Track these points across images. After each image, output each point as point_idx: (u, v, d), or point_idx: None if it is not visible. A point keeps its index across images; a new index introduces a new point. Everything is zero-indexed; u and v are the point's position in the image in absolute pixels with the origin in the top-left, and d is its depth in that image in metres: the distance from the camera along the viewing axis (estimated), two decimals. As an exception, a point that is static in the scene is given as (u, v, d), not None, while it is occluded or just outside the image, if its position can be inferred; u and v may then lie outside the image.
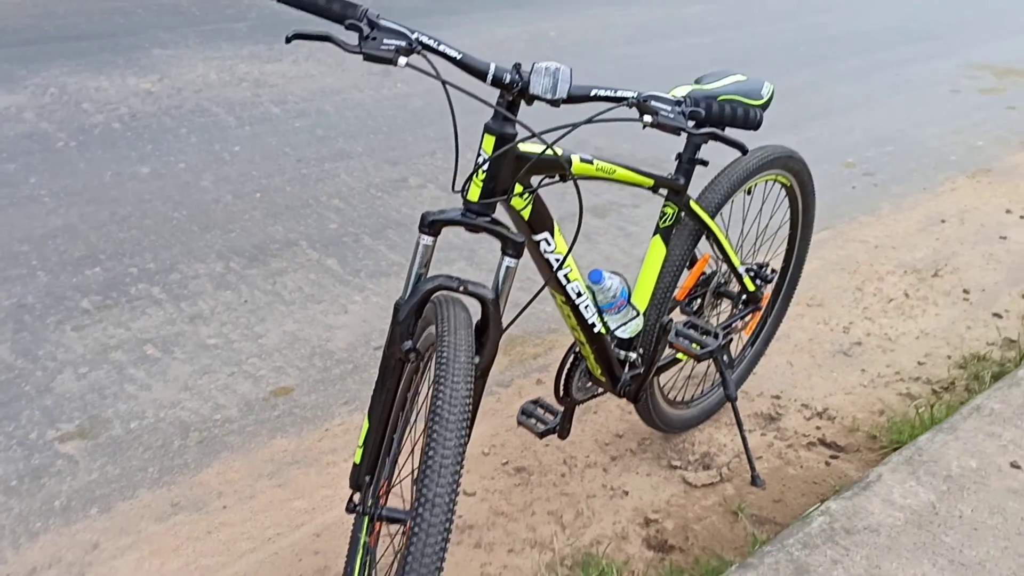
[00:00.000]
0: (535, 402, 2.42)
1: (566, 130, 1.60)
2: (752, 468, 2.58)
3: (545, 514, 2.43)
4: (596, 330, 2.11)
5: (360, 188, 4.22)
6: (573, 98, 1.64)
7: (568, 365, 2.27)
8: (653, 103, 1.59)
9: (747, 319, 2.66)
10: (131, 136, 4.57)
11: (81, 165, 4.22)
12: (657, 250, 2.26)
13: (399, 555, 1.72)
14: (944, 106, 6.12)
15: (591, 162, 1.92)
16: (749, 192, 2.52)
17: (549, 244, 1.89)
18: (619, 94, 1.64)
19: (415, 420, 1.84)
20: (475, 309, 1.70)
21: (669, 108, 1.59)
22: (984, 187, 4.82)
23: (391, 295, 3.37)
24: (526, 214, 1.81)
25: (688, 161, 2.21)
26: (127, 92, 5.13)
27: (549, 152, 1.77)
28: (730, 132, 1.73)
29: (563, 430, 2.37)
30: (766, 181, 2.57)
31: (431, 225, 1.70)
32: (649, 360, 2.27)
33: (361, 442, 1.82)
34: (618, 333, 2.23)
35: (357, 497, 1.84)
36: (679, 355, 2.54)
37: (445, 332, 1.59)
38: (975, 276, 3.85)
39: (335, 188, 4.18)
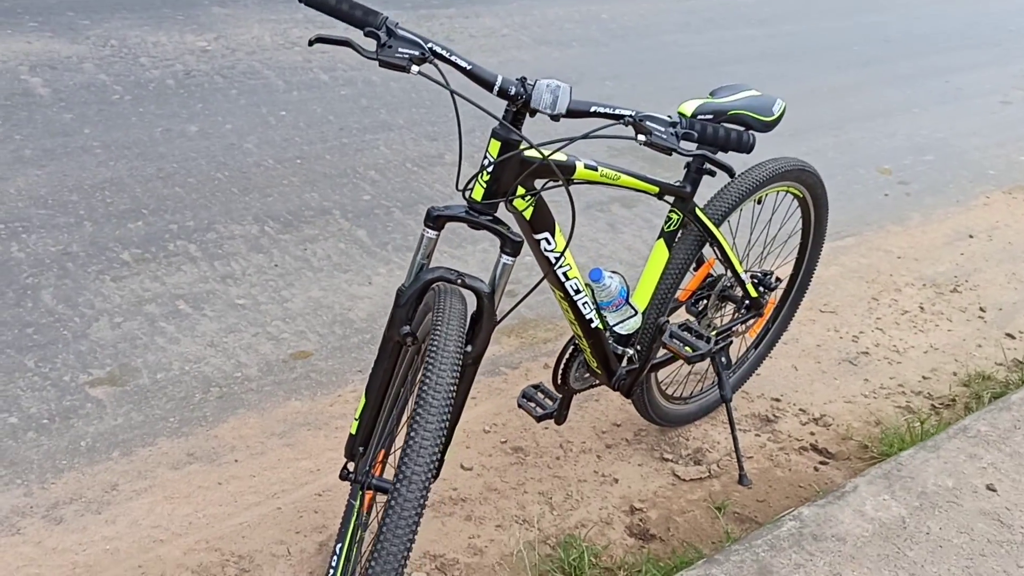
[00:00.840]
0: (536, 387, 2.54)
1: (562, 144, 1.71)
2: (740, 467, 2.67)
3: (536, 494, 2.55)
4: (593, 325, 2.22)
5: (397, 161, 4.34)
6: (573, 113, 1.74)
7: (567, 356, 2.38)
8: (648, 123, 1.69)
9: (749, 324, 2.74)
10: (183, 94, 4.72)
11: (133, 119, 4.39)
12: (660, 253, 2.36)
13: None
14: (991, 117, 6.07)
15: (595, 168, 2.02)
16: (759, 202, 2.59)
17: (550, 243, 2.00)
18: (617, 112, 1.73)
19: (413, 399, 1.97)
20: (474, 301, 1.82)
21: (663, 129, 1.68)
22: (1019, 204, 4.81)
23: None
24: (528, 214, 1.92)
25: (695, 171, 2.29)
26: (183, 49, 5.29)
27: (555, 158, 1.87)
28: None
29: (560, 416, 2.49)
30: (777, 192, 2.64)
31: (435, 220, 1.82)
32: (644, 357, 2.38)
33: (357, 415, 1.96)
34: (616, 329, 2.33)
35: (351, 466, 1.98)
36: (677, 354, 2.63)
37: (439, 322, 1.71)
38: (994, 294, 3.87)
39: (372, 159, 4.31)
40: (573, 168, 1.96)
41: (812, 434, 2.92)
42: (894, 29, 7.98)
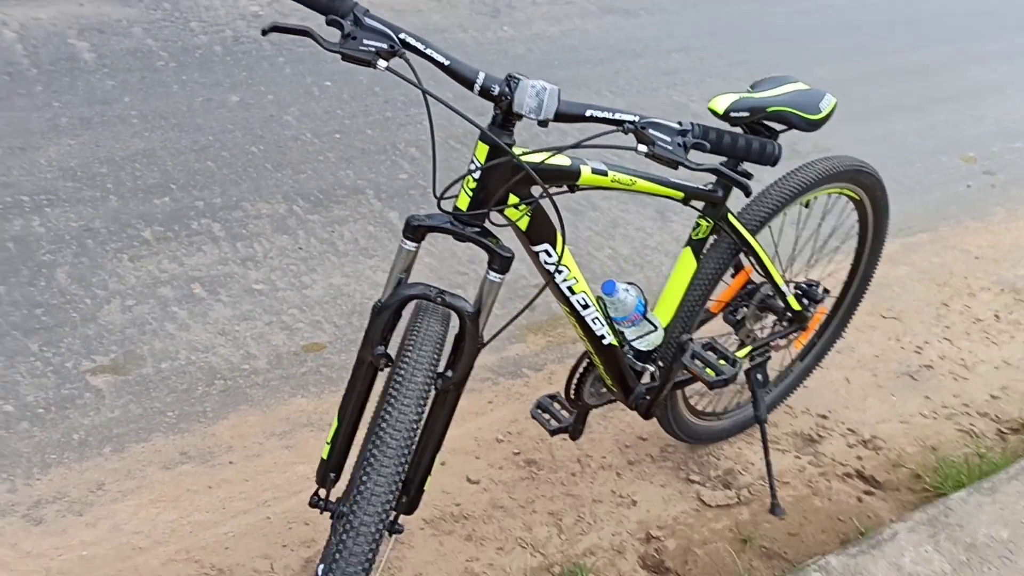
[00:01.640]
0: (553, 397, 2.35)
1: (551, 152, 1.50)
2: (773, 495, 2.45)
3: (545, 514, 2.37)
4: (606, 342, 2.01)
5: (440, 138, 4.13)
6: (564, 117, 1.53)
7: (580, 369, 2.18)
8: (651, 131, 1.46)
9: (791, 338, 2.50)
10: (229, 61, 4.60)
11: (175, 87, 4.28)
12: (686, 263, 2.13)
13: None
14: (1096, 102, 5.57)
15: (605, 173, 1.79)
16: (807, 205, 2.33)
17: (550, 255, 1.79)
18: (617, 117, 1.51)
19: None
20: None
21: (669, 139, 1.46)
22: (1118, 201, 4.39)
23: (444, 258, 3.33)
24: (523, 224, 1.72)
25: (727, 176, 2.04)
26: (235, 14, 5.16)
27: (556, 162, 1.66)
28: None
29: (575, 431, 2.30)
30: (829, 194, 2.37)
31: (414, 231, 1.63)
32: (664, 377, 2.16)
33: (329, 439, 1.79)
34: (635, 345, 2.12)
35: (323, 492, 1.82)
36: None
37: (409, 347, 1.54)
38: (1081, 304, 3.52)
39: (414, 135, 4.13)
40: (577, 173, 1.74)
41: (859, 458, 2.66)
42: (996, 1, 7.42)
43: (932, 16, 6.79)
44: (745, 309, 2.43)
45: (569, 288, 1.87)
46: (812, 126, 1.99)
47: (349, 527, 1.38)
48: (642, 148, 1.47)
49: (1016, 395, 2.99)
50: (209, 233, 3.29)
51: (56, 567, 2.07)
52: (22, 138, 3.65)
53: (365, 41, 1.48)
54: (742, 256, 2.25)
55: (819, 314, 2.61)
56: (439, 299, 1.62)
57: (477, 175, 1.60)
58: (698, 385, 2.51)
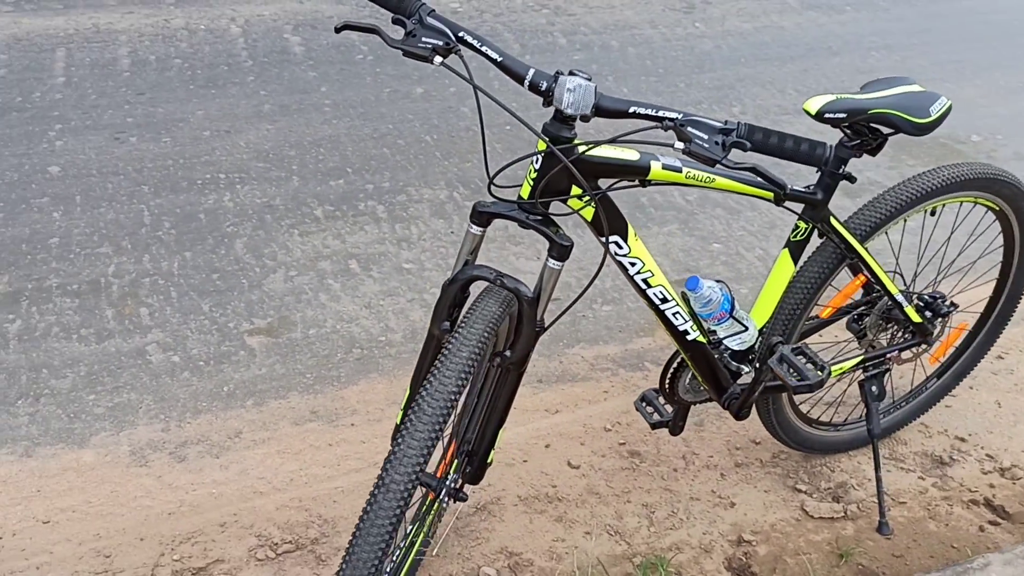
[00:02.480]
0: (659, 391, 2.38)
1: (589, 146, 1.55)
2: (881, 513, 2.36)
3: (639, 505, 2.41)
4: (690, 337, 2.03)
5: (608, 131, 4.19)
6: (607, 112, 1.58)
7: (675, 364, 2.20)
8: (690, 129, 1.48)
9: (917, 352, 2.39)
10: (421, 55, 4.86)
11: (368, 79, 4.60)
12: (784, 266, 2.10)
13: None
14: None
15: (679, 169, 1.81)
16: (932, 213, 2.23)
17: (621, 247, 1.84)
18: (660, 114, 1.54)
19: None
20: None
21: (707, 137, 1.47)
22: None
23: (588, 249, 3.40)
24: (587, 215, 1.78)
25: (830, 175, 2.00)
26: (438, 8, 5.43)
27: (625, 157, 1.71)
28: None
29: (675, 427, 2.32)
30: (960, 203, 2.25)
31: (479, 216, 1.73)
32: (755, 378, 2.14)
33: (403, 406, 1.93)
34: (728, 343, 2.11)
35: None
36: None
37: (461, 326, 1.64)
38: None
39: (582, 129, 4.20)
40: (646, 168, 1.77)
41: (991, 486, 2.50)
42: None
43: None
44: (867, 318, 2.35)
45: (644, 281, 1.91)
46: (920, 130, 1.90)
47: (380, 483, 1.51)
48: (679, 145, 1.50)
49: None
50: (373, 214, 3.53)
51: (189, 500, 2.34)
52: (229, 122, 4.06)
53: (424, 39, 1.59)
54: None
55: (958, 330, 2.48)
56: (498, 281, 1.71)
57: (538, 165, 1.67)
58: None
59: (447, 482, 1.88)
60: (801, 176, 2.21)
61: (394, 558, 1.88)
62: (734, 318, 2.04)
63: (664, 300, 1.95)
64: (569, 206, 1.76)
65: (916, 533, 2.35)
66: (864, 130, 1.94)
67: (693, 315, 2.03)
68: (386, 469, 1.51)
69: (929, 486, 2.50)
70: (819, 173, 2.02)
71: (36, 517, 2.25)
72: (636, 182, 1.77)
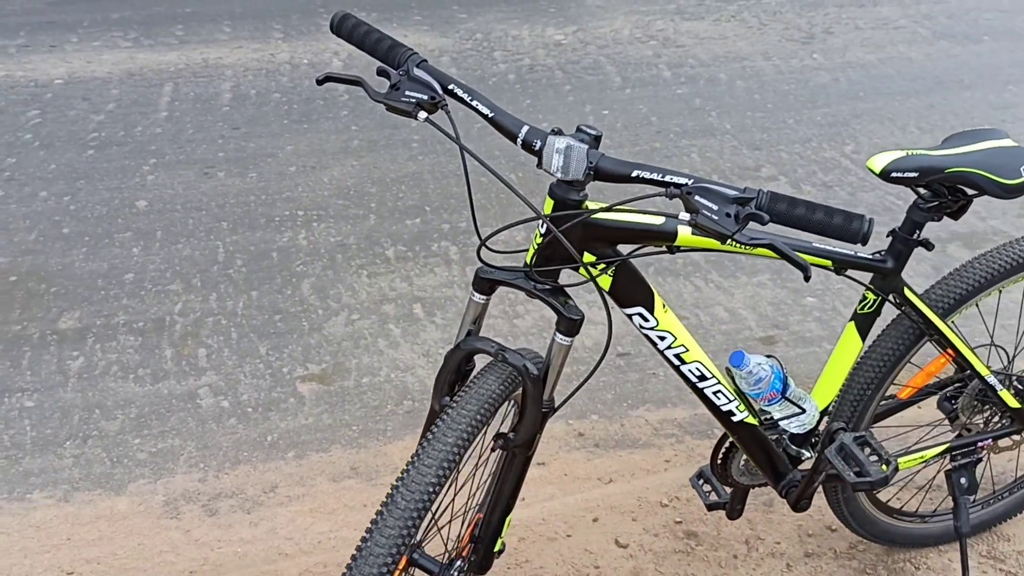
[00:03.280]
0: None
1: (580, 216, 1.37)
2: (968, 624, 2.04)
3: (690, 594, 2.18)
4: (736, 419, 1.80)
5: (703, 172, 3.97)
6: (608, 176, 1.39)
7: (726, 445, 1.98)
8: (698, 198, 1.28)
9: (1016, 439, 2.08)
10: (518, 89, 4.77)
11: (460, 114, 4.50)
12: (850, 341, 1.85)
13: None
14: None
15: (711, 234, 1.60)
16: (1033, 286, 1.93)
17: (646, 320, 1.64)
18: (666, 179, 1.34)
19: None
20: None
21: (717, 208, 1.27)
22: None
23: (669, 299, 3.19)
24: (605, 284, 1.59)
25: (902, 241, 1.74)
26: (538, 43, 5.34)
27: (647, 221, 1.52)
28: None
29: (732, 510, 2.10)
30: (1069, 273, 1.94)
31: (481, 283, 1.58)
32: (813, 467, 1.89)
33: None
34: (783, 426, 1.88)
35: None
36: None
37: (453, 404, 1.49)
38: None
39: (675, 167, 3.98)
40: (673, 234, 1.57)
41: (1109, 599, 2.15)
42: None
43: None
44: (960, 398, 2.06)
45: (678, 357, 1.70)
46: (1008, 192, 1.64)
47: (355, 557, 1.37)
48: (684, 216, 1.30)
49: None
50: (445, 255, 3.42)
51: (213, 558, 2.26)
52: (316, 158, 4.05)
53: (407, 92, 1.45)
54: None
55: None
56: (500, 356, 1.55)
57: (543, 229, 1.51)
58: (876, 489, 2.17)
59: (452, 570, 1.72)
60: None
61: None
62: (787, 399, 1.81)
63: (703, 378, 1.73)
64: (581, 274, 1.58)
65: (1011, 651, 2.04)
66: (943, 191, 1.68)
67: (741, 394, 1.80)
68: (349, 569, 1.37)
69: (1032, 596, 2.17)
70: (890, 239, 1.77)
71: (62, 567, 2.22)
72: (663, 248, 1.58)
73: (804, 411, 1.84)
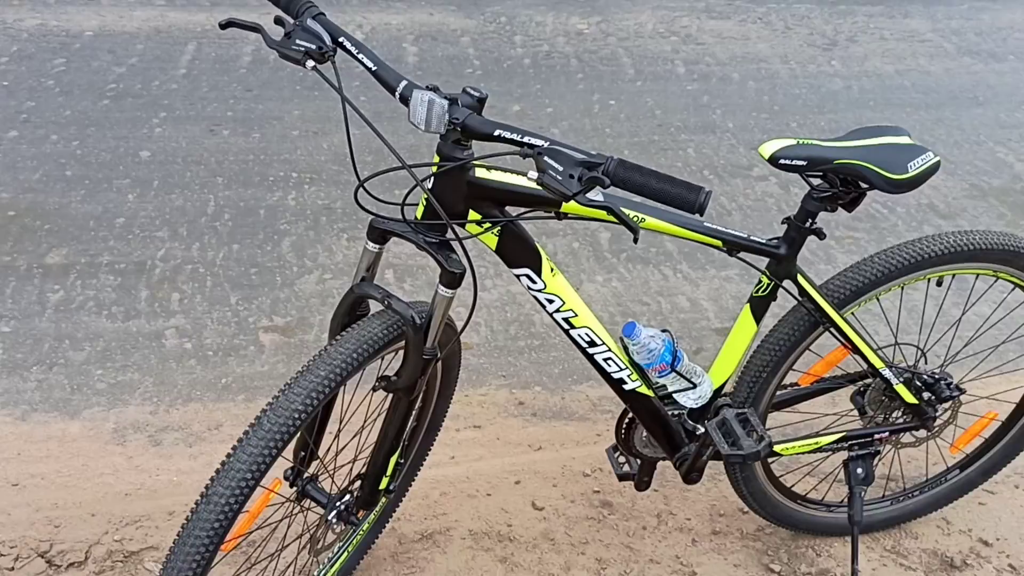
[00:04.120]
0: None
1: (433, 169, 1.47)
2: (854, 610, 2.10)
3: (593, 559, 2.26)
4: (628, 387, 1.87)
5: (696, 167, 4.03)
6: (473, 133, 1.47)
7: (628, 417, 2.05)
8: (547, 159, 1.36)
9: (917, 436, 2.13)
10: (531, 74, 4.84)
11: (482, 91, 4.59)
12: (745, 322, 1.91)
13: None
14: None
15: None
16: (939, 284, 1.97)
17: (534, 282, 1.72)
18: (524, 140, 1.42)
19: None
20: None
21: (562, 168, 1.34)
22: None
23: (635, 285, 3.25)
24: (491, 244, 1.68)
25: (796, 229, 1.80)
26: (560, 31, 5.40)
27: (529, 185, 1.60)
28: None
29: (640, 482, 2.17)
30: (977, 275, 1.98)
31: (374, 232, 1.67)
32: (701, 440, 1.95)
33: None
34: (678, 399, 1.95)
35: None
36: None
37: (332, 344, 1.59)
38: None
39: (669, 161, 4.05)
40: (558, 200, 1.65)
41: (1002, 602, 2.18)
42: None
43: None
44: (867, 392, 2.11)
45: (566, 321, 1.78)
46: (894, 187, 1.69)
47: (204, 494, 1.47)
48: (532, 175, 1.38)
49: None
50: (425, 226, 3.51)
51: (149, 484, 2.39)
52: (320, 124, 4.17)
53: (298, 41, 1.55)
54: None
55: (985, 419, 2.19)
56: (385, 302, 1.64)
57: (430, 184, 1.59)
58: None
59: (340, 503, 1.82)
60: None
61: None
62: (677, 372, 1.88)
63: (592, 344, 1.81)
64: (468, 232, 1.67)
65: (892, 641, 2.09)
66: (835, 181, 1.74)
67: (635, 365, 1.88)
68: (212, 480, 1.47)
69: (928, 590, 2.21)
70: (785, 224, 1.83)
71: (8, 479, 2.36)
72: (552, 214, 1.66)
73: (695, 386, 1.91)
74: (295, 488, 1.84)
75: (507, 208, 1.66)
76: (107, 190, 3.55)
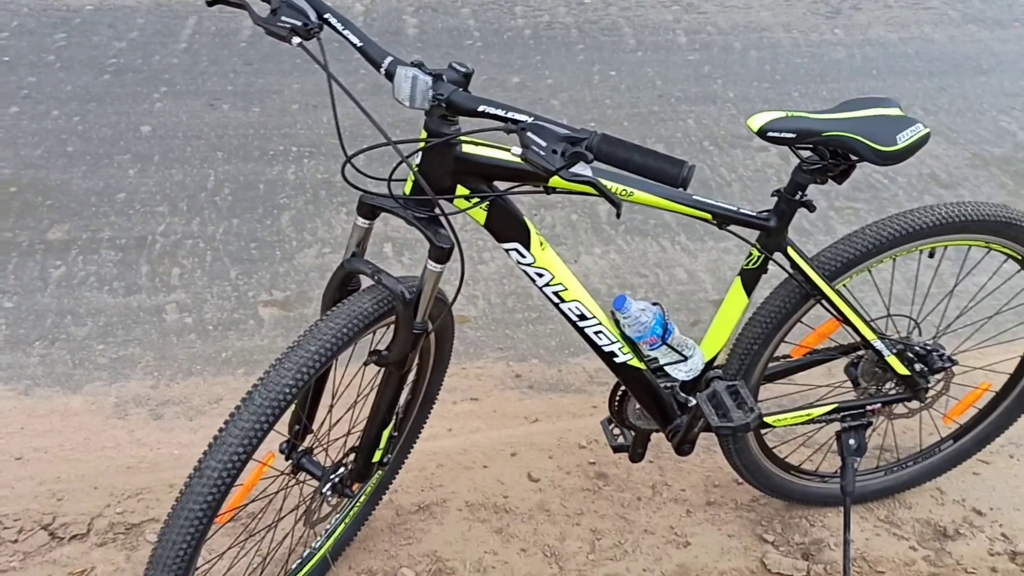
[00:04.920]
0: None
1: (420, 145, 1.48)
2: (846, 578, 2.12)
3: (588, 529, 2.29)
4: (619, 360, 1.89)
5: (696, 138, 4.01)
6: (458, 109, 1.48)
7: (621, 389, 2.07)
8: (530, 134, 1.36)
9: (910, 407, 2.14)
10: (531, 44, 4.82)
11: (468, 65, 4.58)
12: (736, 295, 1.92)
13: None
14: None
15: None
16: (931, 255, 1.98)
17: (523, 256, 1.73)
18: (508, 115, 1.43)
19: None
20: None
21: (545, 144, 1.35)
22: None
23: (633, 257, 3.26)
24: (479, 218, 1.68)
25: (786, 202, 1.80)
26: (561, 1, 5.36)
27: (515, 160, 1.60)
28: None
29: (634, 454, 2.19)
30: (969, 247, 1.98)
31: (364, 208, 1.68)
32: (692, 412, 1.97)
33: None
34: (670, 371, 1.96)
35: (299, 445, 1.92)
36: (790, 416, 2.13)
37: (323, 318, 1.60)
38: None
39: (669, 132, 4.03)
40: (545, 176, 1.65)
41: (993, 570, 2.21)
42: None
43: None
44: (861, 364, 2.12)
45: (556, 295, 1.79)
46: (884, 159, 1.68)
47: (197, 467, 1.50)
48: (515, 150, 1.39)
49: None
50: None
51: (150, 457, 2.42)
52: (320, 98, 4.17)
53: (284, 18, 1.55)
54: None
55: (979, 389, 2.20)
56: (375, 277, 1.65)
57: (419, 160, 1.60)
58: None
59: (334, 475, 1.84)
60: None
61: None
62: (668, 345, 1.89)
63: (583, 317, 1.82)
64: (457, 207, 1.68)
65: (883, 609, 2.11)
66: (825, 153, 1.74)
67: (626, 337, 1.89)
68: (204, 454, 1.50)
69: (919, 558, 2.23)
70: (775, 196, 1.83)
71: (11, 453, 2.40)
72: (540, 188, 1.66)
73: (687, 358, 1.92)
74: (290, 461, 1.86)
75: (495, 183, 1.66)
76: (108, 165, 3.56)
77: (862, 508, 2.35)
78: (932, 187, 3.76)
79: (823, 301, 1.91)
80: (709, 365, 1.98)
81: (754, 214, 1.81)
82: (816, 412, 2.08)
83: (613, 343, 1.86)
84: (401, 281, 1.66)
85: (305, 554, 2.03)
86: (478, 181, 1.63)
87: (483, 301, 3.04)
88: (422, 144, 1.54)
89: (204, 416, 2.55)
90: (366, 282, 1.72)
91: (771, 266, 1.88)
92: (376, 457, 1.86)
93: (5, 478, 2.32)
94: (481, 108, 1.46)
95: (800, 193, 1.79)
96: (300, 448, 1.86)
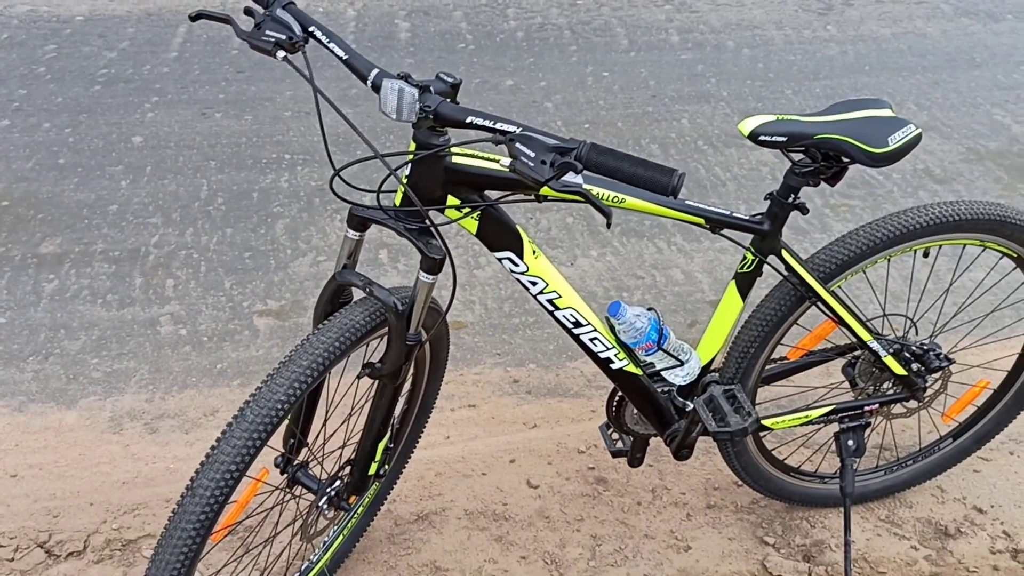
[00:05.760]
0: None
1: (409, 158, 1.47)
2: (847, 580, 2.11)
3: (588, 536, 2.28)
4: (615, 367, 1.88)
5: (690, 138, 4.00)
6: (446, 120, 1.46)
7: (619, 395, 2.06)
8: (519, 145, 1.35)
9: (908, 407, 2.13)
10: (524, 47, 4.81)
11: (462, 68, 4.58)
12: (731, 299, 1.91)
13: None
14: None
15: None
16: (926, 255, 1.97)
17: (516, 265, 1.72)
18: (497, 126, 1.42)
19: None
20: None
21: (534, 155, 1.34)
22: None
23: (629, 259, 3.25)
24: (471, 228, 1.67)
25: (778, 205, 1.79)
26: (553, 2, 5.35)
27: (505, 170, 1.59)
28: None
29: (632, 459, 2.18)
30: (964, 246, 1.97)
31: (354, 220, 1.67)
32: (689, 417, 1.96)
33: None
34: (667, 376, 1.95)
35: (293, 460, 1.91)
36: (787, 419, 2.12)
37: (315, 332, 1.59)
38: None
39: (664, 132, 4.02)
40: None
41: (995, 568, 2.20)
42: None
43: None
44: (858, 364, 2.11)
45: (551, 303, 1.77)
46: (875, 161, 1.67)
47: (189, 486, 1.48)
48: (505, 162, 1.38)
49: None
50: (418, 206, 3.50)
51: (146, 472, 2.41)
52: (312, 105, 4.14)
53: (268, 32, 1.54)
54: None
55: (977, 387, 2.19)
56: (367, 289, 1.64)
57: (408, 171, 1.59)
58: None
59: (331, 489, 1.83)
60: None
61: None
62: (664, 350, 1.88)
63: (577, 324, 1.81)
64: (449, 217, 1.66)
65: (885, 611, 2.10)
66: (817, 156, 1.73)
67: (622, 344, 1.88)
68: (197, 473, 1.48)
69: (920, 558, 2.22)
70: (768, 200, 1.82)
71: (6, 470, 2.38)
72: (531, 196, 1.65)
73: (683, 363, 1.91)
74: (286, 475, 1.85)
75: (486, 192, 1.65)
76: (100, 177, 3.55)
77: (863, 508, 2.34)
78: (927, 183, 3.75)
79: (818, 303, 1.89)
80: (706, 369, 1.97)
81: (747, 218, 1.80)
82: (814, 414, 2.07)
83: (609, 349, 1.85)
84: (393, 292, 1.64)
85: (303, 568, 2.02)
86: (469, 191, 1.62)
87: (479, 306, 3.03)
88: (411, 157, 1.53)
89: (200, 429, 2.54)
90: (358, 294, 1.70)
91: (766, 268, 1.87)
92: (372, 469, 1.84)
93: (0, 496, 2.31)
94: (469, 119, 1.45)
95: (793, 196, 1.78)
96: (295, 462, 1.85)
